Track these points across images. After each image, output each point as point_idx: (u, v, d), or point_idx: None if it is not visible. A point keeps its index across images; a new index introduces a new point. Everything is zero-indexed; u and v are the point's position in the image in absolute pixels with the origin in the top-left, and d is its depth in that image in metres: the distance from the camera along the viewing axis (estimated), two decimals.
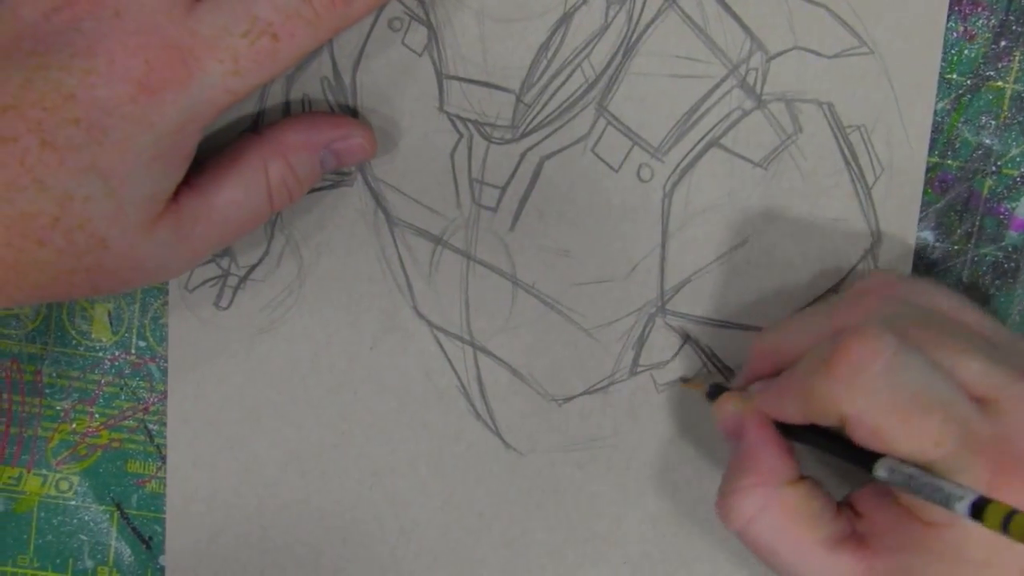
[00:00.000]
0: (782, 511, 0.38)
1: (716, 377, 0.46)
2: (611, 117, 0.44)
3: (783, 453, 0.39)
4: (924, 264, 0.46)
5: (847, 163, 0.45)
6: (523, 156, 0.45)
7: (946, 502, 0.33)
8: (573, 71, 0.44)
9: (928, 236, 0.46)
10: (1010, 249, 0.46)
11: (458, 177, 0.45)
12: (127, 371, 0.48)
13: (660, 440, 0.47)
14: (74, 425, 0.48)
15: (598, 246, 0.46)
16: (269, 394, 0.47)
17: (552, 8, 0.44)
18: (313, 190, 0.45)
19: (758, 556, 0.39)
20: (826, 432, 0.38)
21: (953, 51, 0.45)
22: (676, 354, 0.46)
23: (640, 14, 0.44)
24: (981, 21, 0.44)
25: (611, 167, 0.45)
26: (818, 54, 0.44)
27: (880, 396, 0.35)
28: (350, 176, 0.45)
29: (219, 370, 0.47)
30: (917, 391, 0.35)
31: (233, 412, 0.47)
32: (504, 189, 0.45)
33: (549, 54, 0.44)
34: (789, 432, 0.40)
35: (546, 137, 0.45)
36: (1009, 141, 0.45)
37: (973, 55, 0.45)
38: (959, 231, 0.46)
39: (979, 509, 0.32)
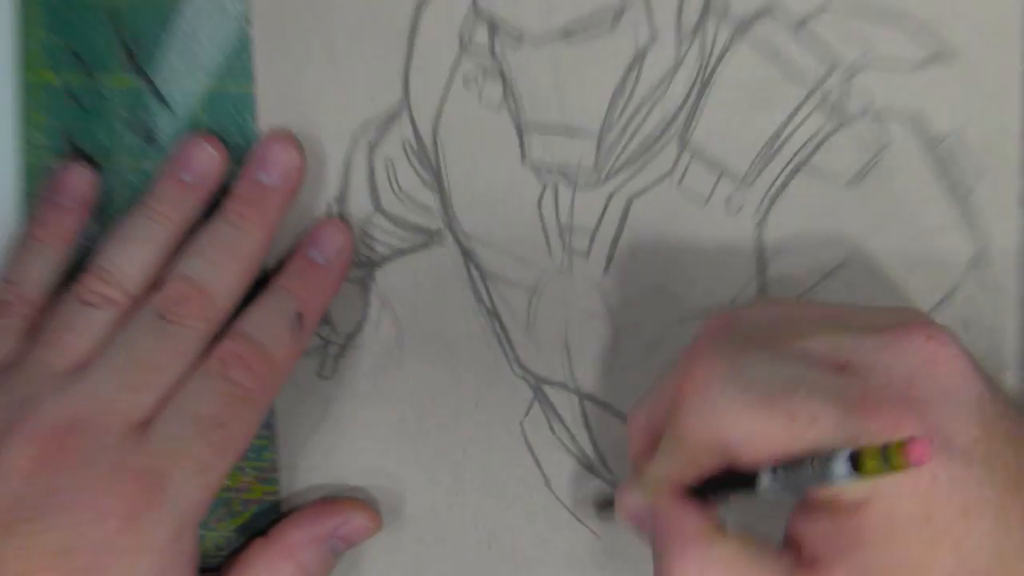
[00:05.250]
0: (725, 564, 0.35)
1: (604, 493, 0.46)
2: (694, 151, 0.44)
3: (703, 510, 0.36)
4: None
5: (940, 174, 0.44)
6: (610, 198, 0.45)
7: (824, 475, 0.31)
8: (651, 109, 0.44)
9: None
10: None
11: (547, 226, 0.45)
12: None
13: None
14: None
15: (695, 281, 0.45)
16: (378, 461, 0.47)
17: (623, 49, 0.44)
18: (403, 252, 0.46)
19: None
20: (728, 477, 0.36)
21: None
22: None
23: (712, 46, 0.43)
24: None
25: (699, 201, 0.45)
26: (899, 66, 0.43)
27: (736, 400, 0.34)
28: (439, 233, 0.46)
29: (325, 440, 0.47)
30: (770, 380, 0.34)
31: (343, 482, 0.47)
32: (594, 233, 0.45)
33: (626, 95, 0.44)
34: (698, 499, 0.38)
35: (631, 177, 0.45)
36: None
37: None
38: None
39: (858, 463, 0.30)
